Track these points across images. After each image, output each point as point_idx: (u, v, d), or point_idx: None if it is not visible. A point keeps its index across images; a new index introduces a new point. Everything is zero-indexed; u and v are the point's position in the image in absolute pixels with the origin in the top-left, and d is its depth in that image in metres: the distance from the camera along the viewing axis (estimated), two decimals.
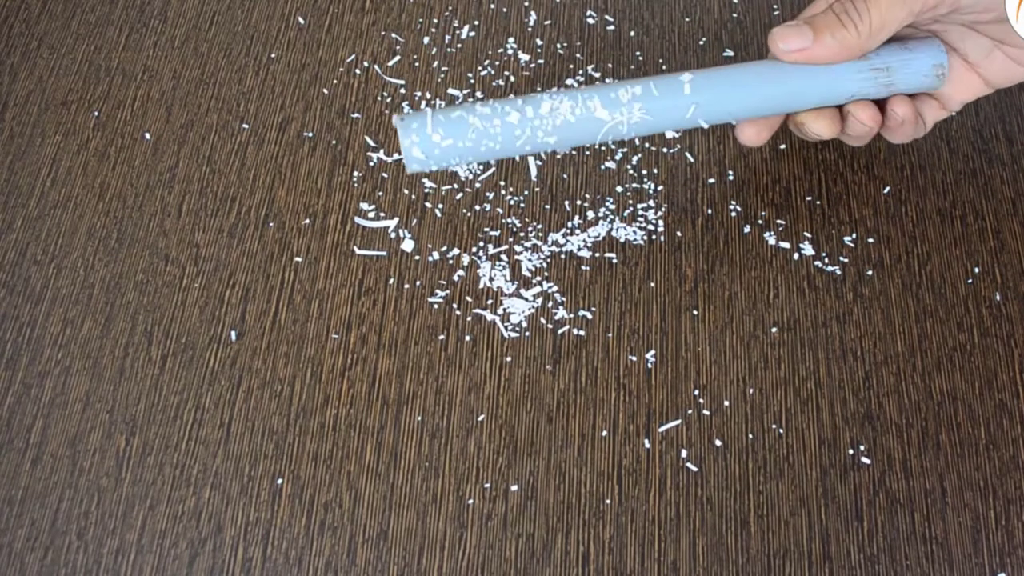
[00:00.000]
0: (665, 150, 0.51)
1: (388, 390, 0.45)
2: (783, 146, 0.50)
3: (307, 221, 0.49)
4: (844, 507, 0.42)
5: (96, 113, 0.53)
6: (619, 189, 0.49)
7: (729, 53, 0.54)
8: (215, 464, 0.43)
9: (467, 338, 0.46)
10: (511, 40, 0.54)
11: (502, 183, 0.50)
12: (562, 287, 0.47)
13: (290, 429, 0.44)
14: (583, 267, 0.47)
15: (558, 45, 0.54)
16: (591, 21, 0.55)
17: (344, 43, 0.55)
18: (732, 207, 0.49)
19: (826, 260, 0.47)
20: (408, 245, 0.48)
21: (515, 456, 0.43)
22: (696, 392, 0.44)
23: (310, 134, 0.52)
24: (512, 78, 0.53)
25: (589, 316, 0.46)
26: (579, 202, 0.49)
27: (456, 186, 0.50)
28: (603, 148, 0.51)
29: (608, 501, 0.42)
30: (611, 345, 0.46)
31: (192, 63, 0.54)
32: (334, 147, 0.51)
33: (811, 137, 0.42)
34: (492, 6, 0.56)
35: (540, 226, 0.49)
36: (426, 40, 0.55)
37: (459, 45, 0.54)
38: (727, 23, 0.55)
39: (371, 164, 0.51)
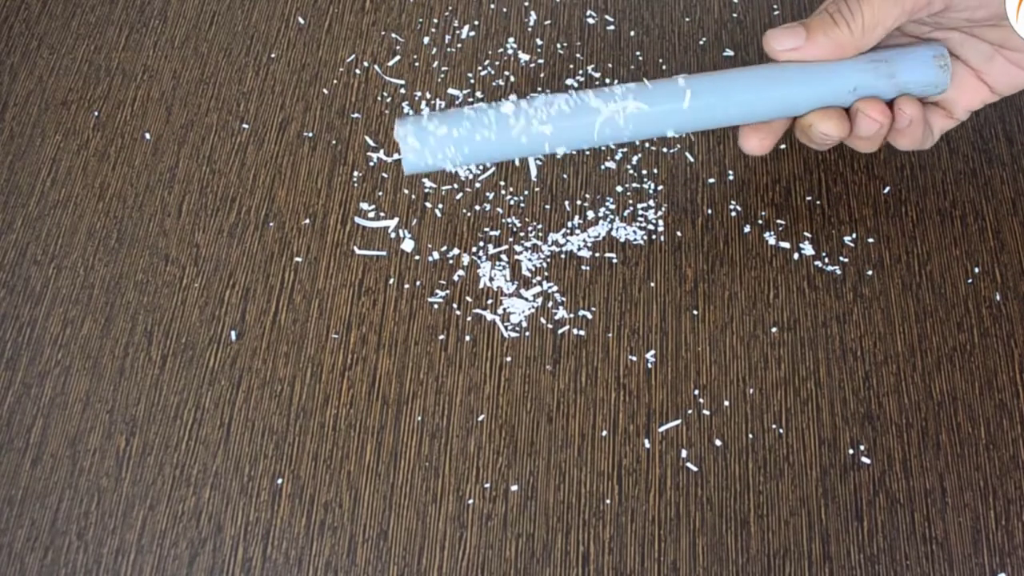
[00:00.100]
0: (665, 150, 0.51)
1: (388, 390, 0.45)
2: (783, 146, 0.50)
3: (307, 221, 0.49)
4: (844, 507, 0.42)
5: (96, 113, 0.53)
6: (619, 189, 0.49)
7: (729, 53, 0.54)
8: (215, 464, 0.43)
9: (467, 338, 0.46)
10: (511, 40, 0.54)
11: (502, 183, 0.50)
12: (562, 287, 0.47)
13: (290, 429, 0.44)
14: (583, 267, 0.47)
15: (558, 45, 0.54)
16: (591, 21, 0.55)
17: (344, 43, 0.55)
18: (732, 207, 0.49)
19: (826, 260, 0.47)
20: (408, 245, 0.48)
21: (515, 456, 0.43)
22: (696, 392, 0.44)
23: (310, 134, 0.52)
24: (512, 78, 0.53)
25: (589, 316, 0.46)
26: (579, 202, 0.49)
27: (456, 186, 0.50)
28: (603, 148, 0.51)
29: (608, 501, 0.42)
30: (611, 345, 0.46)
31: (192, 63, 0.54)
32: (334, 147, 0.51)
33: (820, 140, 0.42)
34: (492, 6, 0.56)
35: (540, 226, 0.49)
36: (426, 40, 0.55)
37: (459, 45, 0.54)
38: (727, 23, 0.55)
39: (371, 164, 0.51)
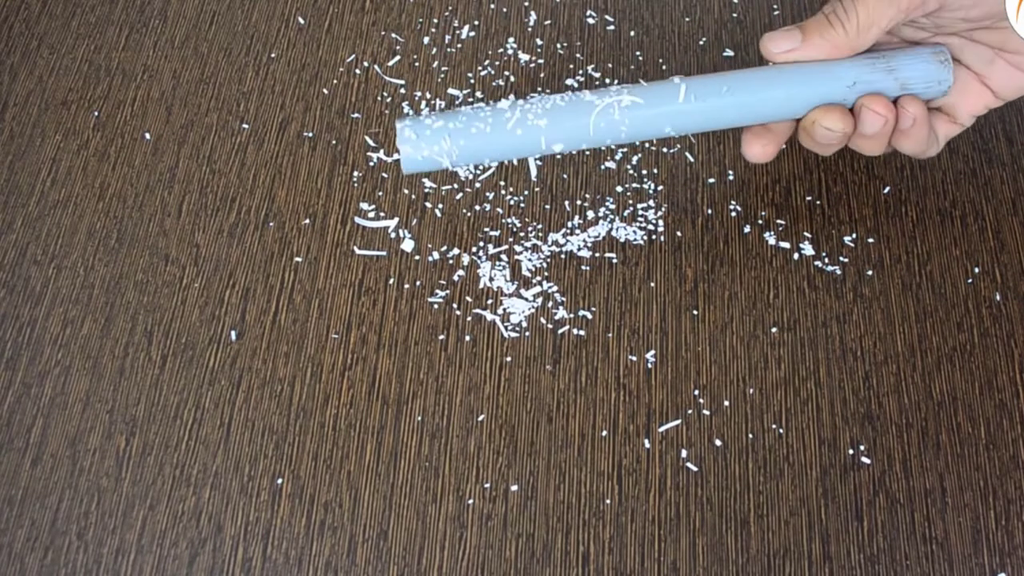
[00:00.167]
0: (665, 150, 0.51)
1: (388, 390, 0.45)
2: (783, 146, 0.50)
3: (307, 221, 0.49)
4: (844, 507, 0.42)
5: (96, 113, 0.53)
6: (619, 189, 0.49)
7: (729, 53, 0.54)
8: (215, 464, 0.43)
9: (467, 338, 0.46)
10: (511, 40, 0.54)
11: (502, 183, 0.50)
12: (562, 287, 0.47)
13: (290, 429, 0.44)
14: (583, 267, 0.47)
15: (558, 45, 0.54)
16: (591, 21, 0.55)
17: (344, 43, 0.55)
18: (732, 207, 0.49)
19: (826, 260, 0.47)
20: (408, 245, 0.48)
21: (515, 456, 0.43)
22: (696, 392, 0.44)
23: (310, 134, 0.52)
24: (512, 78, 0.53)
25: (589, 316, 0.46)
26: (579, 202, 0.49)
27: (456, 186, 0.50)
28: (603, 148, 0.51)
29: (608, 501, 0.42)
30: (611, 345, 0.46)
31: (192, 63, 0.54)
32: (334, 147, 0.51)
33: (824, 138, 0.41)
34: (492, 6, 0.56)
35: (540, 226, 0.49)
36: (426, 40, 0.55)
37: (459, 45, 0.54)
38: (727, 23, 0.55)
39: (371, 164, 0.51)
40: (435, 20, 0.55)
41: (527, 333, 0.46)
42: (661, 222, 0.49)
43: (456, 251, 0.48)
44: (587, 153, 0.50)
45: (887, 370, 0.45)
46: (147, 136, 0.52)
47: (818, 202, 0.49)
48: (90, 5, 0.57)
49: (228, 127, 0.52)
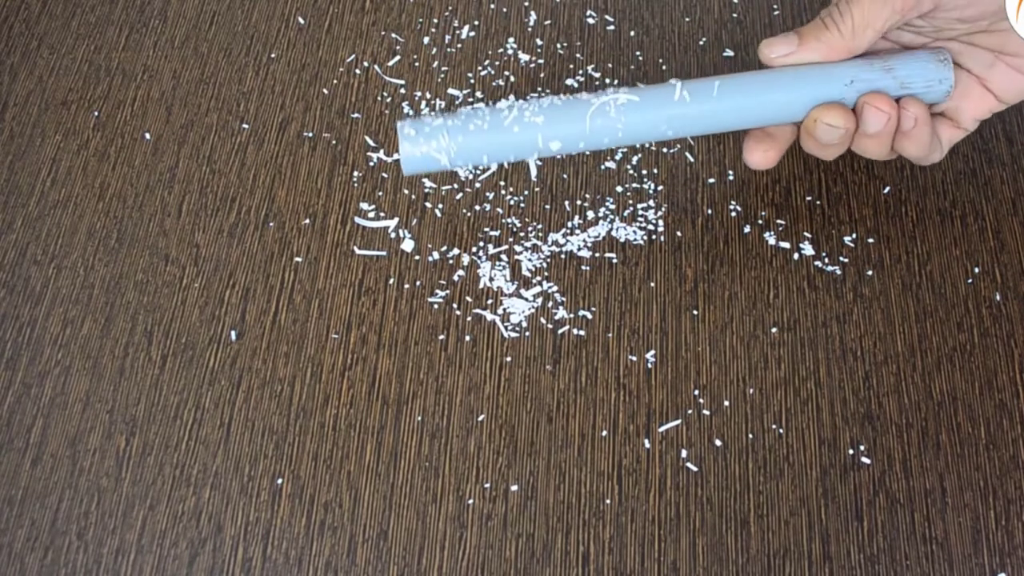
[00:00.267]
0: (665, 150, 0.51)
1: (388, 390, 0.45)
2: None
3: (307, 221, 0.49)
4: (844, 507, 0.42)
5: (96, 113, 0.53)
6: (619, 189, 0.49)
7: (729, 53, 0.54)
8: (215, 464, 0.43)
9: (467, 338, 0.46)
10: (511, 40, 0.54)
11: (502, 183, 0.50)
12: (562, 287, 0.47)
13: (290, 429, 0.44)
14: (583, 267, 0.47)
15: (558, 45, 0.54)
16: (591, 21, 0.55)
17: (344, 43, 0.55)
18: (732, 207, 0.49)
19: (826, 260, 0.47)
20: (408, 245, 0.48)
21: (515, 456, 0.43)
22: (696, 392, 0.44)
23: (310, 134, 0.52)
24: (512, 78, 0.53)
25: (589, 316, 0.46)
26: (579, 202, 0.49)
27: (456, 186, 0.50)
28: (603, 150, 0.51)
29: (608, 501, 0.42)
30: (611, 345, 0.46)
31: (192, 63, 0.54)
32: (334, 147, 0.51)
33: (826, 136, 0.41)
34: (492, 6, 0.56)
35: (540, 226, 0.49)
36: (426, 40, 0.55)
37: (459, 45, 0.54)
38: (727, 23, 0.55)
39: (371, 164, 0.51)
40: (435, 20, 0.55)
41: (527, 333, 0.46)
42: (661, 222, 0.49)
43: (456, 251, 0.48)
44: (587, 153, 0.50)
45: (887, 370, 0.45)
46: (147, 136, 0.52)
47: (818, 202, 0.49)
48: (90, 5, 0.57)
49: (228, 127, 0.52)
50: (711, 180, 0.50)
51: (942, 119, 0.44)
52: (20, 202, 0.50)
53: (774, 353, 0.45)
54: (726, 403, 0.44)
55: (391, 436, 0.44)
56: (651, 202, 0.49)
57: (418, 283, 0.47)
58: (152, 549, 0.42)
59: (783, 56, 0.41)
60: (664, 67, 0.53)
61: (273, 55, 0.54)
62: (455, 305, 0.47)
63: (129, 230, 0.49)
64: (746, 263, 0.47)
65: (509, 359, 0.45)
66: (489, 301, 0.47)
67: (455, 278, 0.47)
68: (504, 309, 0.46)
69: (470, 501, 0.42)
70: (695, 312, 0.46)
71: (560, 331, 0.46)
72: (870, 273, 0.47)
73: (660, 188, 0.49)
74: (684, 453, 0.43)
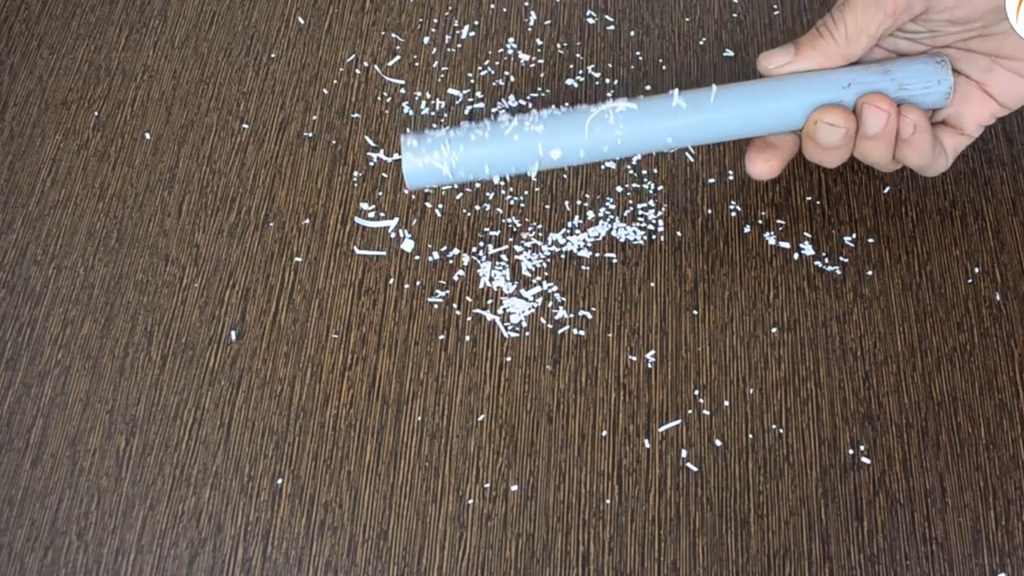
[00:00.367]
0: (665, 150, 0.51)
1: (388, 390, 0.45)
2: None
3: (307, 221, 0.49)
4: (844, 507, 0.42)
5: (96, 113, 0.53)
6: (619, 189, 0.49)
7: (729, 53, 0.54)
8: (215, 464, 0.43)
9: (467, 338, 0.46)
10: (511, 40, 0.54)
11: (502, 183, 0.50)
12: (562, 287, 0.47)
13: (290, 429, 0.44)
14: (583, 267, 0.47)
15: (558, 45, 0.54)
16: (591, 21, 0.55)
17: (344, 43, 0.55)
18: (732, 207, 0.49)
19: (826, 260, 0.47)
20: (408, 245, 0.48)
21: (515, 456, 0.43)
22: (696, 392, 0.44)
23: (310, 134, 0.52)
24: (512, 78, 0.53)
25: (589, 316, 0.46)
26: (579, 202, 0.49)
27: (456, 186, 0.50)
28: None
29: (608, 501, 0.42)
30: (611, 345, 0.46)
31: (192, 63, 0.54)
32: (334, 147, 0.51)
33: (828, 139, 0.41)
34: (492, 6, 0.56)
35: (540, 226, 0.49)
36: (426, 40, 0.55)
37: (459, 45, 0.54)
38: (727, 23, 0.55)
39: (371, 164, 0.51)
40: (435, 20, 0.55)
41: (527, 333, 0.46)
42: (661, 222, 0.49)
43: (456, 251, 0.48)
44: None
45: (887, 370, 0.45)
46: (147, 136, 0.52)
47: (818, 202, 0.49)
48: (90, 5, 0.57)
49: (228, 127, 0.52)
50: (711, 180, 0.50)
51: (945, 127, 0.44)
52: (20, 202, 0.50)
53: (774, 353, 0.45)
54: (726, 403, 0.44)
55: (391, 436, 0.44)
56: (651, 202, 0.49)
57: (418, 283, 0.47)
58: (152, 549, 0.42)
59: (781, 66, 0.41)
60: (664, 67, 0.53)
61: (273, 55, 0.54)
62: (455, 305, 0.47)
63: (129, 230, 0.49)
64: (746, 263, 0.47)
65: (509, 359, 0.45)
66: (489, 301, 0.47)
67: (455, 278, 0.47)
68: (504, 309, 0.46)
69: (470, 501, 0.42)
70: (695, 312, 0.46)
71: (560, 331, 0.46)
72: (870, 273, 0.47)
73: (660, 188, 0.49)
74: (684, 453, 0.43)
